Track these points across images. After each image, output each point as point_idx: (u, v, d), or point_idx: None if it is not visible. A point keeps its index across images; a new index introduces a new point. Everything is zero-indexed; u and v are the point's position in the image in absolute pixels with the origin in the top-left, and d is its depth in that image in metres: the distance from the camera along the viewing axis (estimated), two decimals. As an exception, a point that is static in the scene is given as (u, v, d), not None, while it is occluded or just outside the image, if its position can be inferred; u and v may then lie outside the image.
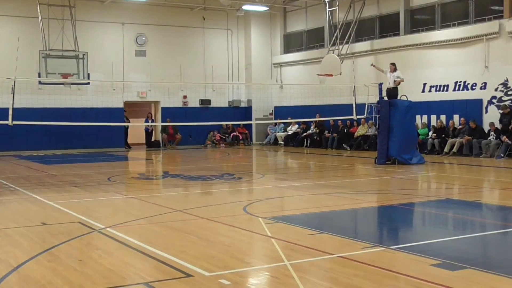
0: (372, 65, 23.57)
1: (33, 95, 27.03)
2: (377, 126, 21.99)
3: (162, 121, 31.81)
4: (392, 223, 10.46)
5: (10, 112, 16.16)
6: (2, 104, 17.66)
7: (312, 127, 30.94)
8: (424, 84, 26.03)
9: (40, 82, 26.38)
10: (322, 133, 30.22)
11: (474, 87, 24.22)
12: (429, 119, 25.77)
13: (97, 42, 30.62)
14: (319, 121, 29.57)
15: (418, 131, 24.44)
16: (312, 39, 33.06)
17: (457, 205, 12.26)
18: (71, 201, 12.94)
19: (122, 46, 31.69)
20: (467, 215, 11.22)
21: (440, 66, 25.47)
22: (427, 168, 19.67)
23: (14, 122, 16.56)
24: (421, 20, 27.08)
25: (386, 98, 20.83)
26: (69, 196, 13.89)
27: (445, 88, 25.27)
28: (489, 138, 22.87)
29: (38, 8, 26.51)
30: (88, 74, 26.27)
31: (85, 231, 9.47)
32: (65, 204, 12.35)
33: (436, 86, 25.62)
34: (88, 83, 28.05)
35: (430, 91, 25.89)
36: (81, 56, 26.21)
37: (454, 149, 23.55)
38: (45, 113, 27.11)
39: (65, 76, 25.52)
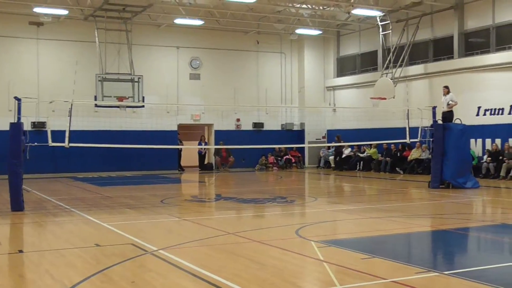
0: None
1: (89, 117, 27.49)
2: (431, 150, 21.70)
3: (215, 144, 32.01)
4: (446, 248, 10.25)
5: (67, 134, 16.43)
6: (59, 127, 17.92)
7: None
8: (479, 108, 25.60)
9: (96, 105, 26.86)
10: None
11: (530, 111, 23.73)
12: (483, 143, 25.34)
13: (152, 66, 31.10)
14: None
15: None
16: (365, 63, 32.93)
17: (514, 231, 11.98)
18: (125, 223, 13.07)
19: (176, 69, 32.11)
20: (524, 241, 10.93)
21: (495, 89, 25.03)
22: (482, 192, 19.28)
23: (71, 144, 16.82)
24: (475, 43, 26.71)
25: (440, 122, 20.58)
26: (122, 217, 14.03)
27: (500, 111, 24.80)
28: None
29: (96, 32, 27.14)
30: (143, 97, 26.65)
31: (138, 253, 9.54)
32: (118, 225, 12.48)
33: (491, 109, 25.17)
34: (143, 106, 28.44)
35: (484, 114, 25.45)
36: (136, 79, 26.64)
37: (512, 173, 23.07)
38: (100, 136, 27.54)
39: (120, 99, 25.95)
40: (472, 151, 24.62)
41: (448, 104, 20.60)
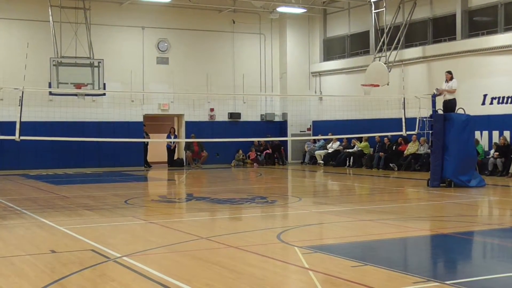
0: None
1: (42, 107, 27.34)
2: (430, 144, 21.82)
3: (186, 137, 31.99)
4: (447, 254, 10.31)
5: (18, 126, 16.32)
6: (8, 117, 17.89)
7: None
8: (485, 96, 25.75)
9: (50, 93, 26.69)
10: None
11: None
12: (490, 136, 25.47)
13: (114, 49, 30.93)
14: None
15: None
16: (355, 45, 33.02)
17: (523, 235, 12.11)
18: (84, 226, 13.04)
19: (142, 52, 31.97)
20: (534, 246, 11.06)
21: (503, 75, 25.18)
22: (489, 191, 19.44)
23: (22, 138, 16.73)
24: (481, 23, 26.86)
25: (441, 111, 20.65)
26: (81, 220, 13.98)
27: (509, 100, 24.96)
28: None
29: (50, 10, 26.90)
30: (104, 84, 26.50)
31: (98, 260, 9.51)
32: (77, 229, 12.43)
33: (499, 97, 25.31)
34: (104, 94, 28.27)
35: (491, 103, 25.59)
36: (96, 64, 26.46)
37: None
38: (56, 128, 27.44)
39: (78, 86, 25.77)
40: (480, 146, 24.84)
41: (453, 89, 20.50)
